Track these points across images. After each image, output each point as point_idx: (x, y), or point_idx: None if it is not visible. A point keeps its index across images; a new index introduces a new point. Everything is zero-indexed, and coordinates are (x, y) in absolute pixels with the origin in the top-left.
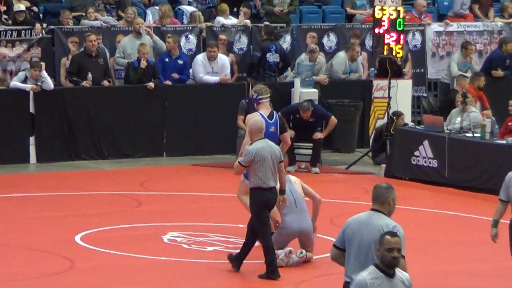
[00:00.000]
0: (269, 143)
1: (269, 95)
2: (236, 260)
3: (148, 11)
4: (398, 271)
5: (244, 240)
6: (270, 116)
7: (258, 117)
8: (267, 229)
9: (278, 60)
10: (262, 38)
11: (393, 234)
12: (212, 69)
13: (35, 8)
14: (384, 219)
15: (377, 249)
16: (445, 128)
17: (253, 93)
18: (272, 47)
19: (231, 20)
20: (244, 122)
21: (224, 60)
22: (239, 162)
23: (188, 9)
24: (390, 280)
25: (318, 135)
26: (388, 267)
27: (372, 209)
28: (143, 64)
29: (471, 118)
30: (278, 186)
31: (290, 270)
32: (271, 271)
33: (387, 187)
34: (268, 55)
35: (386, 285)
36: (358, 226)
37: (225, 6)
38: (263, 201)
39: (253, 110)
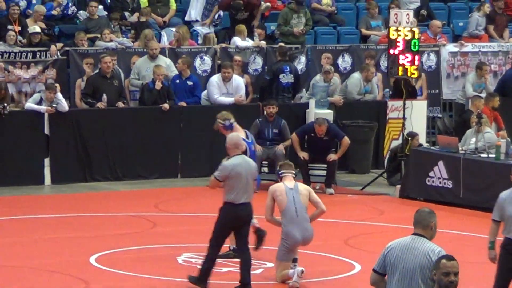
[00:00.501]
0: (246, 159)
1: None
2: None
3: (163, 33)
4: None
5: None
6: (247, 136)
7: (235, 133)
8: (220, 244)
9: (293, 81)
10: (277, 59)
11: (450, 257)
12: (227, 90)
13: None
14: (428, 244)
15: (433, 274)
16: (460, 148)
17: (222, 121)
18: (286, 68)
19: (246, 42)
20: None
21: (239, 81)
22: (214, 176)
23: (202, 30)
24: None
25: (332, 157)
26: None
27: (414, 234)
28: (158, 85)
29: (486, 139)
30: None
31: None
32: (201, 279)
33: (430, 211)
34: (281, 76)
35: None
36: (401, 251)
37: (242, 27)
38: (233, 217)
39: (266, 128)
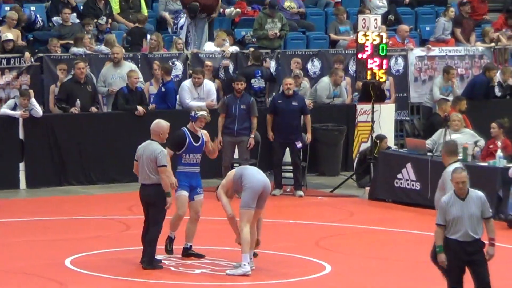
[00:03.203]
0: (151, 144)
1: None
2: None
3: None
4: None
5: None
6: (197, 139)
7: (156, 120)
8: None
9: (264, 85)
10: (249, 64)
11: None
12: (198, 94)
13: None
14: None
15: None
16: (433, 150)
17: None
18: (258, 72)
19: (215, 47)
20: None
21: (210, 86)
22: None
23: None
24: None
25: (309, 137)
26: None
27: None
28: (133, 87)
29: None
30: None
31: None
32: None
33: None
34: (253, 80)
35: None
36: None
37: (223, 35)
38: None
39: (234, 104)
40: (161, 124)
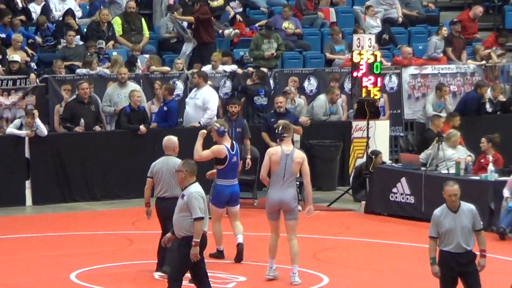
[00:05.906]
0: (170, 159)
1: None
2: None
3: (138, 59)
4: None
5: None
6: (232, 148)
7: (168, 137)
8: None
9: (266, 103)
10: (253, 82)
11: None
12: (195, 95)
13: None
14: None
15: None
16: (427, 163)
17: (218, 125)
18: (261, 91)
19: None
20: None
21: (210, 95)
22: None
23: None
24: None
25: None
26: None
27: None
28: (135, 106)
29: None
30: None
31: None
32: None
33: None
34: (255, 98)
35: None
36: None
37: (218, 55)
38: (156, 209)
39: (230, 128)
40: (174, 139)
